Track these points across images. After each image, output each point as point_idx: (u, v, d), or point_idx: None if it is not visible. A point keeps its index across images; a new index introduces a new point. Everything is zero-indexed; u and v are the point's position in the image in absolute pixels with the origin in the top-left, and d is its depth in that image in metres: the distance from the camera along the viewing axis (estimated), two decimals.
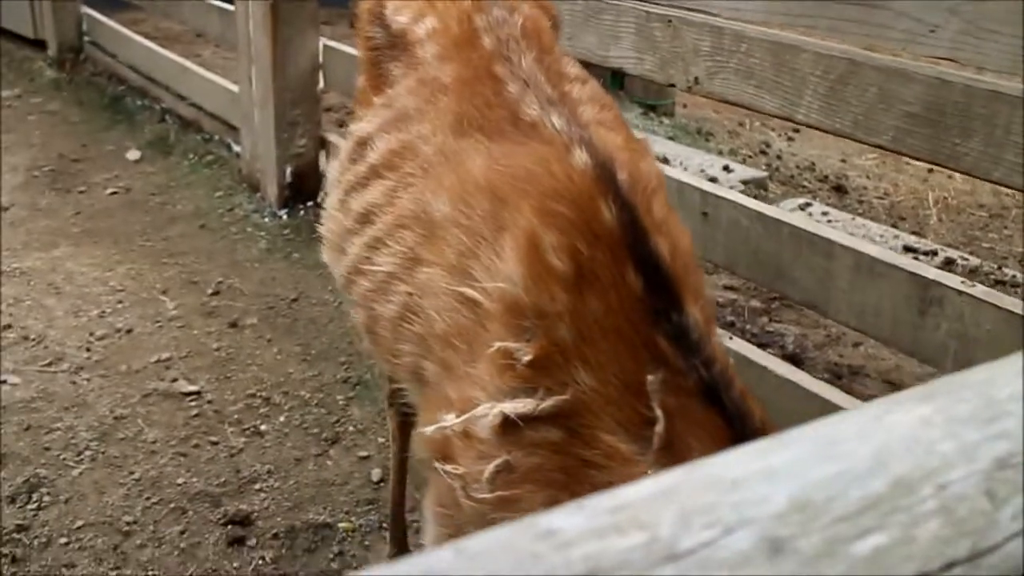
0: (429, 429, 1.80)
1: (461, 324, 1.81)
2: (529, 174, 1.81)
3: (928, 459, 0.77)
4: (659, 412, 1.60)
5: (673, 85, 3.00)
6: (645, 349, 1.64)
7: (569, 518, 0.66)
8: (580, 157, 1.77)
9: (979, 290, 2.39)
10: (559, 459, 1.67)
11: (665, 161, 4.95)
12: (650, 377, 1.62)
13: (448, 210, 1.89)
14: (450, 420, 1.75)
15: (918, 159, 2.46)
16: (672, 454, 1.58)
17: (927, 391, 0.84)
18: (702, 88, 2.89)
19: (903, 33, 2.42)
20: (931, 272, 2.48)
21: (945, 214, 5.39)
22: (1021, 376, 0.88)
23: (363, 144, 2.21)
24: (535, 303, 1.70)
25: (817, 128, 2.64)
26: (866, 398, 3.44)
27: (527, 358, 1.67)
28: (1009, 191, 5.59)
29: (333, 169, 2.36)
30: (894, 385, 3.66)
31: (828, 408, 2.82)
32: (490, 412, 1.68)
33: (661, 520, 0.67)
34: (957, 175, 5.85)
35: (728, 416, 1.58)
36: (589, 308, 1.67)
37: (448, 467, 1.76)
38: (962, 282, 2.43)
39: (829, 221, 4.62)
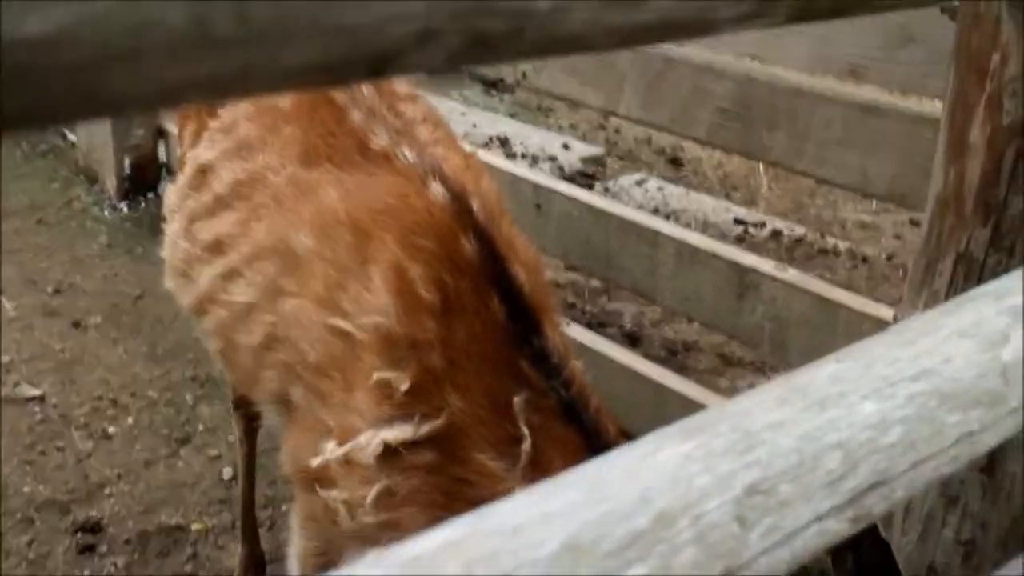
0: (309, 459, 1.86)
1: (334, 355, 1.87)
2: (389, 208, 1.88)
3: (687, 493, 0.88)
4: (524, 431, 1.71)
5: (502, 79, 3.08)
6: (509, 372, 1.75)
7: (368, 570, 0.74)
8: (436, 190, 1.85)
9: (791, 275, 2.55)
10: (436, 480, 1.76)
11: (505, 141, 5.04)
12: (516, 399, 1.72)
13: (310, 243, 1.94)
14: (331, 448, 1.81)
15: (730, 152, 2.60)
16: (537, 469, 1.68)
17: (689, 427, 0.95)
18: (530, 83, 2.98)
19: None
20: (747, 259, 2.63)
21: (775, 183, 5.60)
22: (775, 406, 0.99)
23: (204, 172, 2.22)
24: (408, 333, 1.77)
25: (638, 122, 2.76)
26: (699, 372, 3.61)
27: (403, 386, 1.75)
28: None
29: (172, 194, 2.35)
30: (725, 358, 3.83)
31: (663, 391, 2.96)
32: (372, 441, 1.75)
33: (447, 570, 0.75)
34: None
35: (586, 432, 1.71)
36: (457, 336, 1.76)
37: (330, 492, 1.82)
38: (775, 266, 2.58)
39: (664, 196, 4.78)
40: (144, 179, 4.87)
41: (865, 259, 4.54)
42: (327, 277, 1.90)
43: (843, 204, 5.43)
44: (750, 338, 2.66)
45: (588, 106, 2.83)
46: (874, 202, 5.47)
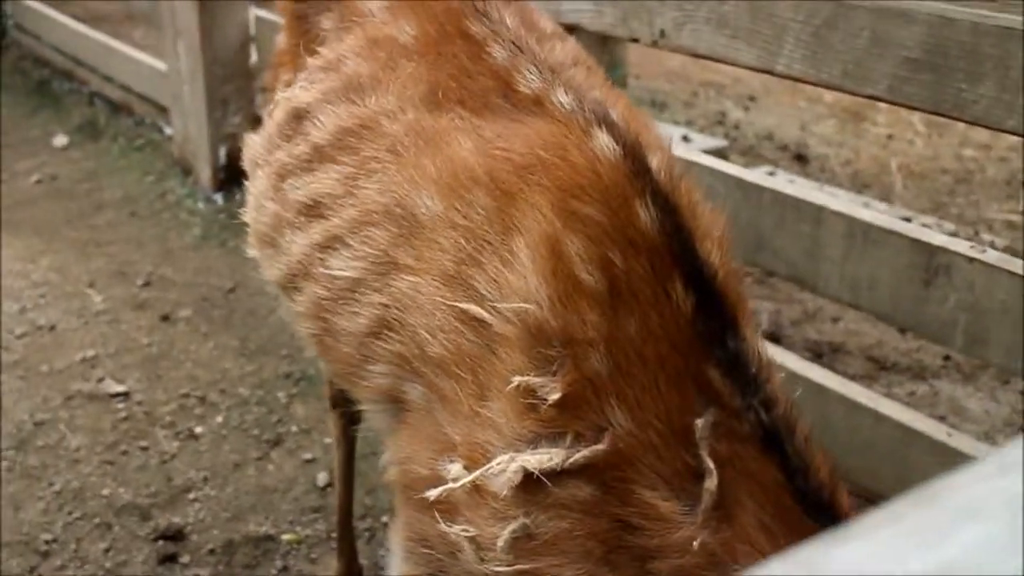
0: (424, 474, 1.47)
1: (463, 349, 1.46)
2: (540, 163, 1.46)
3: None
4: (709, 463, 1.30)
5: (637, 40, 2.68)
6: (694, 384, 1.34)
7: None
8: (603, 142, 1.43)
9: (991, 255, 2.10)
10: (590, 522, 1.35)
11: None
12: (699, 420, 1.32)
13: (437, 206, 1.54)
14: (456, 472, 1.41)
15: (919, 109, 2.16)
16: (723, 514, 1.28)
17: None
18: (669, 41, 2.57)
19: None
20: (937, 238, 2.19)
21: (910, 180, 5.14)
22: None
23: (299, 117, 1.82)
24: (563, 327, 1.37)
25: (801, 80, 2.33)
26: (850, 377, 3.16)
27: (554, 396, 1.35)
28: (972, 155, 5.38)
29: (255, 145, 1.94)
30: (877, 362, 3.39)
31: (812, 388, 2.54)
32: (508, 467, 1.34)
33: None
34: (918, 140, 5.61)
35: (789, 469, 1.29)
36: (627, 333, 1.36)
37: (452, 525, 1.43)
38: (971, 247, 2.14)
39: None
40: (239, 169, 4.52)
41: None
42: (458, 250, 1.49)
43: (986, 203, 4.95)
44: (939, 333, 2.21)
45: (739, 64, 2.42)
46: (1021, 201, 4.99)
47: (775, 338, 3.38)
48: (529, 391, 1.36)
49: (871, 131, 5.59)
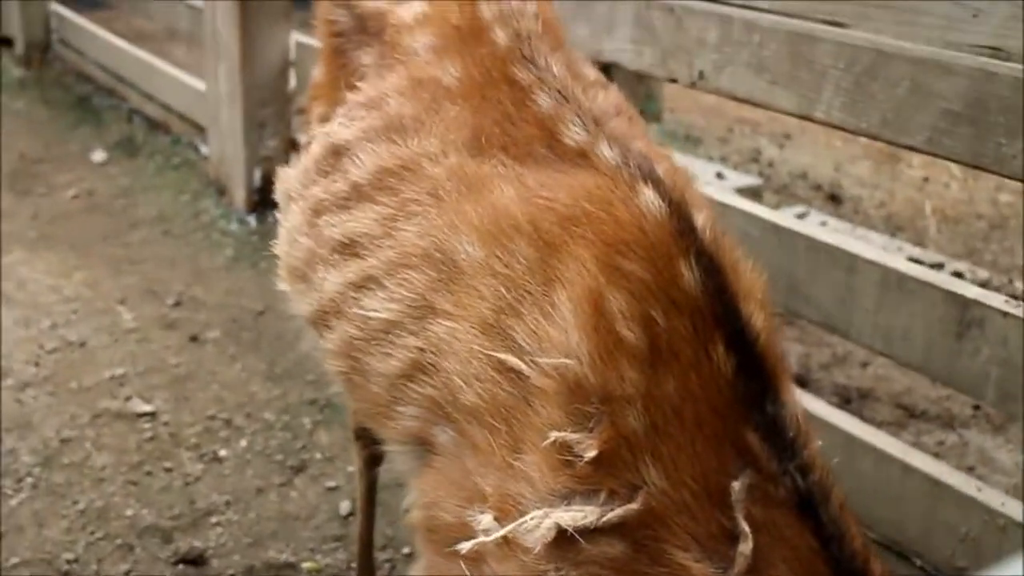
0: (450, 520, 1.47)
1: (499, 399, 1.45)
2: (585, 216, 1.46)
3: None
4: (743, 526, 1.28)
5: (675, 80, 2.67)
6: (731, 446, 1.33)
7: None
8: (649, 198, 1.43)
9: None
10: None
11: None
12: (735, 483, 1.31)
13: (478, 252, 1.53)
14: (487, 523, 1.40)
15: (958, 162, 2.14)
16: None
17: None
18: (708, 83, 2.56)
19: (940, 19, 2.11)
20: (971, 291, 2.17)
21: (944, 224, 5.10)
22: None
23: (338, 153, 1.81)
24: (602, 384, 1.36)
25: (840, 128, 2.32)
26: (878, 424, 3.13)
27: (590, 453, 1.34)
28: (1008, 200, 5.33)
29: (290, 178, 1.93)
30: (906, 409, 3.35)
31: (841, 436, 2.51)
32: (543, 523, 1.33)
33: None
34: (954, 183, 5.57)
35: (824, 536, 1.28)
36: (666, 392, 1.35)
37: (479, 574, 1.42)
38: (1006, 301, 2.12)
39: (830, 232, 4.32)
40: (274, 192, 4.59)
41: None
42: (497, 298, 1.48)
43: (1021, 250, 4.91)
44: (971, 386, 2.19)
45: (778, 109, 2.41)
46: None
47: (803, 382, 3.35)
48: (565, 447, 1.35)
49: (906, 173, 5.56)
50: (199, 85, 5.04)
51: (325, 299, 1.76)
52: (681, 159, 5.40)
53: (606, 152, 1.52)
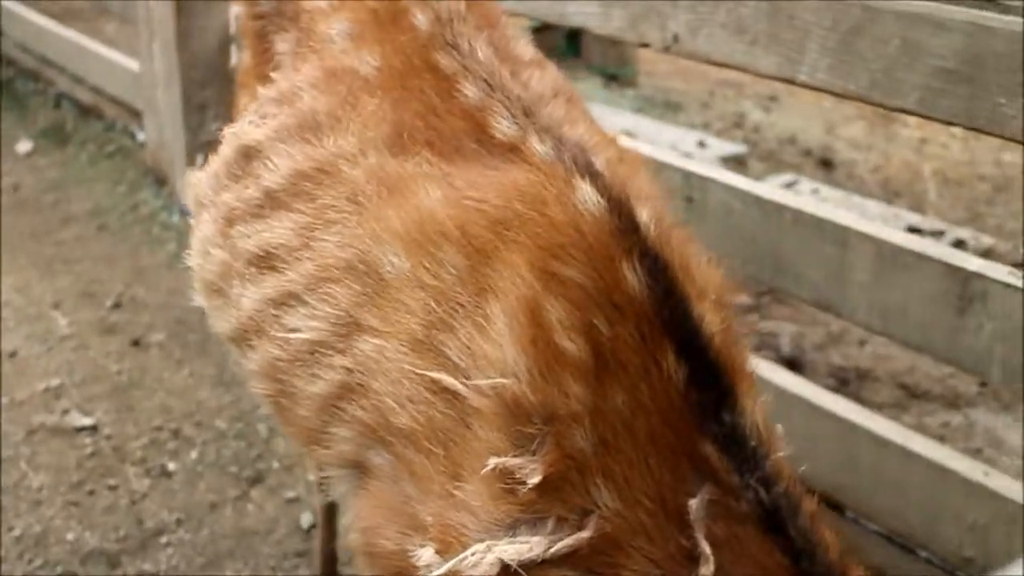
0: (388, 547, 1.46)
1: (435, 422, 1.43)
2: (518, 218, 1.44)
3: None
4: (704, 546, 1.28)
5: (647, 45, 2.67)
6: (688, 461, 1.33)
7: None
8: (587, 195, 1.41)
9: None
10: None
11: (631, 138, 4.65)
12: (693, 500, 1.30)
13: (403, 263, 1.51)
14: (428, 558, 1.39)
15: (953, 124, 2.14)
16: None
17: None
18: (683, 47, 2.56)
19: None
20: (972, 263, 2.18)
21: (944, 188, 5.13)
22: None
23: (249, 156, 1.78)
24: (543, 402, 1.35)
25: (825, 91, 2.31)
26: (878, 406, 3.15)
27: (534, 479, 1.33)
28: (1012, 160, 5.36)
29: (200, 183, 1.88)
30: (908, 390, 3.37)
31: (837, 423, 2.52)
32: (485, 558, 1.32)
33: None
34: (953, 144, 5.60)
35: (794, 551, 1.28)
36: (613, 406, 1.34)
37: None
38: (1009, 272, 2.13)
39: (821, 201, 4.33)
40: None
41: None
42: (427, 312, 1.47)
43: None
44: (973, 364, 2.20)
45: (759, 72, 2.41)
46: None
47: (797, 364, 3.37)
48: (507, 472, 1.35)
49: (902, 134, 5.58)
50: (132, 65, 5.00)
51: (244, 317, 1.73)
52: (661, 128, 5.41)
53: (538, 146, 1.51)
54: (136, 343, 3.70)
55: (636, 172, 1.62)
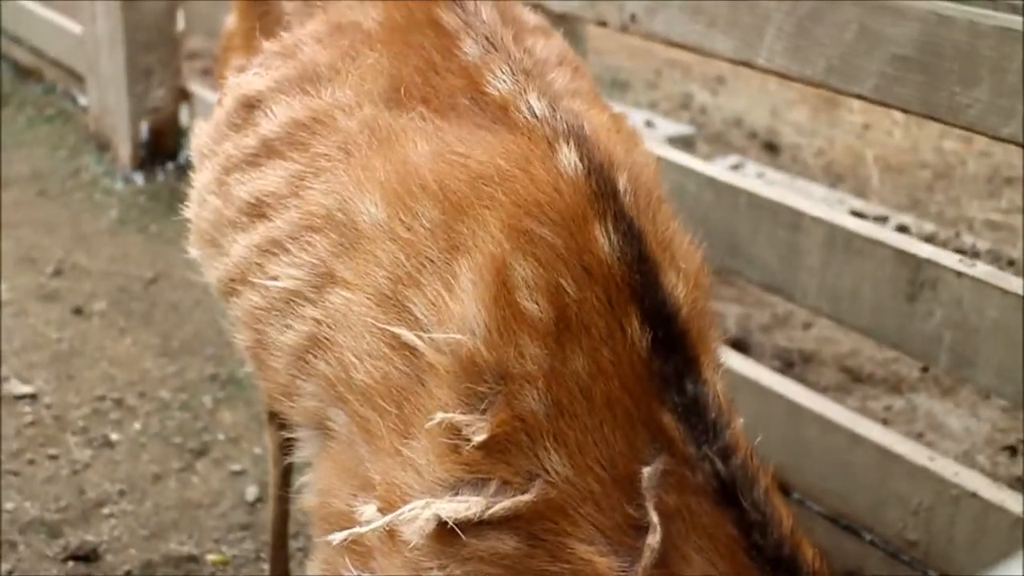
0: (340, 509, 1.46)
1: (391, 377, 1.43)
2: (498, 176, 1.44)
3: None
4: (653, 516, 1.28)
5: (605, 24, 2.67)
6: (644, 429, 1.33)
7: None
8: (568, 158, 1.42)
9: (981, 270, 2.13)
10: None
11: None
12: (646, 469, 1.31)
13: (379, 214, 1.51)
14: (369, 514, 1.39)
15: (908, 112, 2.18)
16: (665, 572, 1.27)
17: None
18: (640, 27, 2.57)
19: None
20: (923, 249, 2.21)
21: (886, 174, 5.19)
22: None
23: (250, 106, 1.79)
24: (498, 360, 1.35)
25: (782, 75, 2.34)
26: (822, 389, 3.19)
27: (479, 438, 1.33)
28: (952, 148, 5.44)
29: (203, 134, 1.92)
30: (851, 373, 3.42)
31: (785, 404, 2.56)
32: (421, 514, 1.32)
33: None
34: (896, 130, 5.67)
35: (746, 523, 1.28)
36: (571, 369, 1.34)
37: (363, 571, 1.42)
38: (960, 260, 2.16)
39: (768, 184, 4.37)
40: (163, 147, 4.58)
41: (1011, 262, 4.11)
42: (396, 266, 1.47)
43: (967, 200, 5.02)
44: (923, 350, 2.24)
45: (716, 55, 2.42)
46: (1003, 199, 5.06)
47: (743, 345, 3.40)
48: (453, 430, 1.34)
49: (847, 119, 5.64)
50: (75, 28, 4.92)
51: (231, 264, 1.75)
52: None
53: (531, 106, 1.51)
54: (77, 311, 3.66)
55: (631, 144, 1.63)
